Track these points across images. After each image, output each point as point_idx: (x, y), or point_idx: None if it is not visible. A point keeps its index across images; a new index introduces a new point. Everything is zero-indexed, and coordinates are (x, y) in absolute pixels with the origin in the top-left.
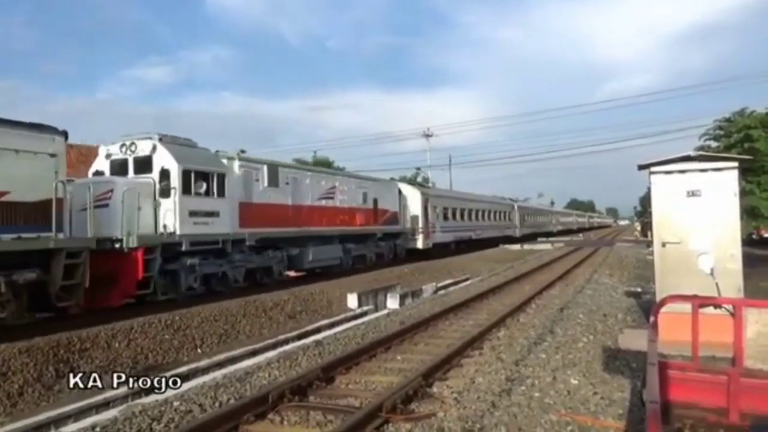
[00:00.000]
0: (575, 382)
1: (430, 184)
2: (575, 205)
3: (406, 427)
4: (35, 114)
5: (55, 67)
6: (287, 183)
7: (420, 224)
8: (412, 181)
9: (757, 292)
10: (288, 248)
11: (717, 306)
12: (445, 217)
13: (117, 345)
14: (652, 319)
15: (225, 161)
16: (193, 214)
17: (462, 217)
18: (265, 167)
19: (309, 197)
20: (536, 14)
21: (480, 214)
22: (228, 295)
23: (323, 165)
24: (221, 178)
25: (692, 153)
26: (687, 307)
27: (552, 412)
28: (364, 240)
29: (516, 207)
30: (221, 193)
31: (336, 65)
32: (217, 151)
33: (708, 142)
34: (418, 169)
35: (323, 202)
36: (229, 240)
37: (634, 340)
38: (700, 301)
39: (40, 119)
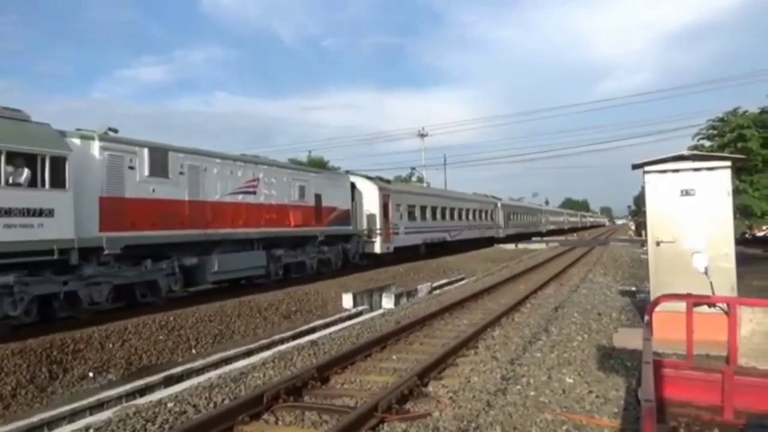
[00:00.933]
0: (570, 380)
1: (425, 184)
2: (569, 204)
3: (402, 426)
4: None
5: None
6: (182, 173)
7: (378, 225)
8: (369, 176)
9: (751, 291)
10: (181, 257)
11: (711, 305)
12: (412, 217)
13: (111, 346)
14: (646, 317)
15: (76, 141)
16: (2, 213)
17: (434, 216)
18: (145, 151)
19: (217, 191)
20: (531, 14)
21: (456, 213)
22: (222, 296)
23: (317, 165)
24: (58, 163)
25: (686, 152)
26: (681, 306)
27: (547, 411)
28: (301, 244)
29: (500, 205)
30: (58, 183)
31: (332, 65)
32: (78, 129)
33: (701, 142)
34: (413, 168)
35: (240, 198)
36: (74, 248)
37: (628, 338)
38: (694, 300)
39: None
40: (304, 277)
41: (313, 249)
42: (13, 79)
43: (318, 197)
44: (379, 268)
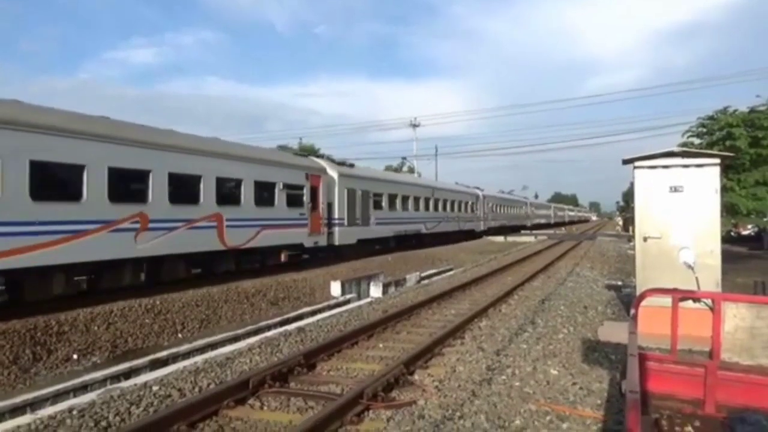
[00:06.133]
0: (555, 372)
1: (415, 174)
2: (558, 198)
3: (387, 414)
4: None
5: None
6: None
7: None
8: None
9: (734, 288)
10: None
11: (696, 300)
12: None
13: (96, 328)
14: (632, 311)
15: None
16: None
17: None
18: None
19: None
20: (523, 7)
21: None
22: (209, 282)
23: (308, 152)
24: None
25: (676, 149)
26: (666, 300)
27: (531, 402)
28: None
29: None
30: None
31: (324, 53)
32: None
33: (691, 139)
34: (404, 158)
35: None
36: None
37: (613, 332)
38: (680, 295)
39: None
40: (293, 264)
41: None
42: None
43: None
44: (368, 257)
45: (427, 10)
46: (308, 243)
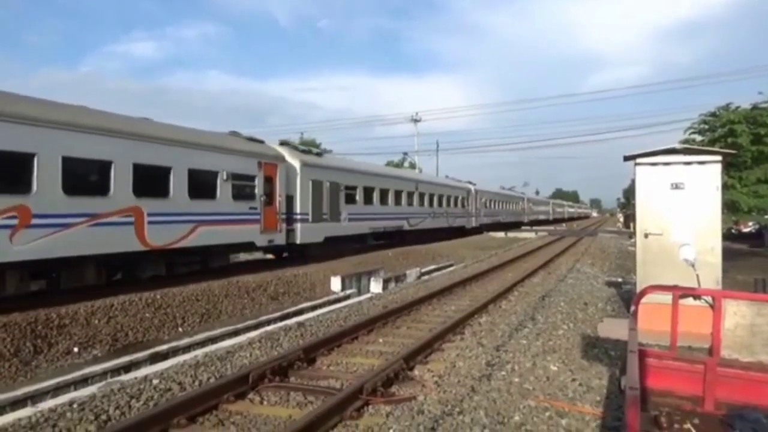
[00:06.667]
0: (554, 368)
1: (416, 170)
2: (560, 195)
3: (386, 409)
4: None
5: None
6: None
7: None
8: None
9: (734, 285)
10: None
11: (696, 297)
12: (350, 200)
13: (96, 322)
14: (632, 308)
15: None
16: None
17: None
18: None
19: None
20: (526, 2)
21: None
22: (209, 276)
23: (310, 147)
24: None
25: (677, 146)
26: (666, 297)
27: (530, 398)
28: None
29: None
30: None
31: (326, 47)
32: None
33: (693, 136)
34: (405, 153)
35: None
36: None
37: (613, 328)
38: (680, 291)
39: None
40: (293, 260)
41: None
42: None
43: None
44: (368, 252)
45: (429, 5)
46: (261, 242)
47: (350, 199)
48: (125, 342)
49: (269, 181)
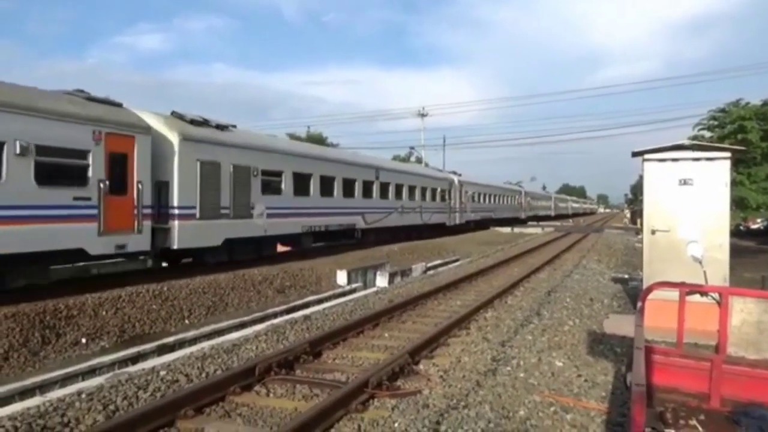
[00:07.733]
0: (560, 364)
1: (423, 164)
2: (566, 190)
3: (392, 402)
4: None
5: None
6: None
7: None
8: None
9: (741, 283)
10: None
11: (703, 294)
12: (270, 189)
13: (104, 313)
14: (639, 304)
15: None
16: None
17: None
18: None
19: None
20: None
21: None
22: (216, 269)
23: (316, 141)
24: None
25: (686, 142)
26: (672, 294)
27: (536, 393)
28: None
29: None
30: None
31: (332, 41)
32: None
33: (702, 132)
34: (412, 148)
35: None
36: None
37: (618, 325)
38: (687, 288)
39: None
40: (299, 252)
41: None
42: (3, 40)
43: None
44: (374, 246)
45: None
46: (98, 248)
47: (271, 189)
48: (132, 333)
49: (119, 159)
